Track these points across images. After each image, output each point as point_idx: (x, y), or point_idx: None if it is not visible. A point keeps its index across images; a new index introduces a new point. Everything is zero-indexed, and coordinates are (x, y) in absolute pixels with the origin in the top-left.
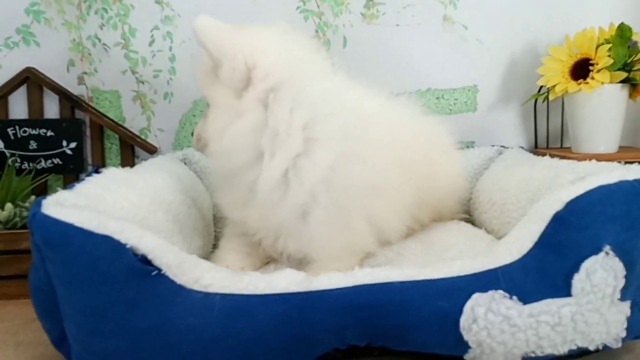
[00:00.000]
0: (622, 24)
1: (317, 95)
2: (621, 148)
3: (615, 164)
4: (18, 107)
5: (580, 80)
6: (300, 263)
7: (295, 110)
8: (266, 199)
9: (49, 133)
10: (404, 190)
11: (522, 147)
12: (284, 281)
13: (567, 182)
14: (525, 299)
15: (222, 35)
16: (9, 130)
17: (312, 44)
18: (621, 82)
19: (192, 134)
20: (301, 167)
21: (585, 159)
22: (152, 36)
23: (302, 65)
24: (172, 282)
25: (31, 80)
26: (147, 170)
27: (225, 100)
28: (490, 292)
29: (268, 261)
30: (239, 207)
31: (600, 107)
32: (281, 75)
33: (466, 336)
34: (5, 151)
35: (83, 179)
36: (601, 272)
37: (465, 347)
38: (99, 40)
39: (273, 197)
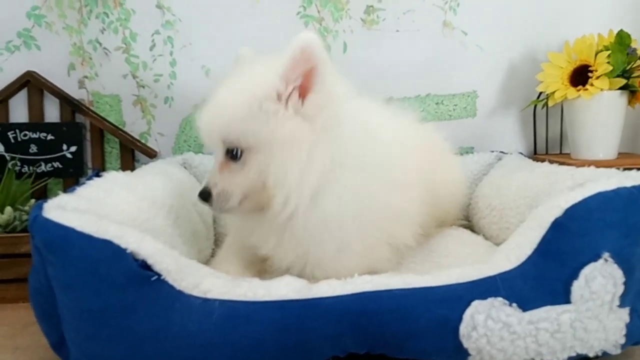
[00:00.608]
0: (621, 30)
1: (351, 124)
2: (620, 154)
3: (613, 170)
4: (18, 110)
5: (580, 87)
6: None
7: (351, 136)
8: (306, 239)
9: (49, 137)
10: (421, 210)
11: (522, 153)
12: (283, 288)
13: (566, 188)
14: (524, 306)
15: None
16: (9, 133)
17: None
18: (620, 88)
19: (204, 188)
20: (334, 197)
21: (584, 165)
22: (152, 41)
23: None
24: (172, 287)
25: (32, 84)
26: (148, 174)
27: (302, 135)
28: (490, 300)
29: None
30: (267, 242)
31: (599, 113)
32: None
33: (466, 343)
34: (6, 155)
35: (84, 183)
36: (600, 279)
37: (465, 354)
38: (100, 44)
39: (315, 236)
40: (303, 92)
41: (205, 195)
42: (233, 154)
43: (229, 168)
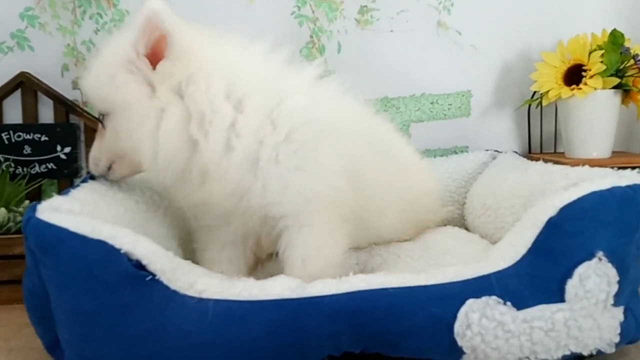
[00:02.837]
0: (614, 30)
1: (228, 63)
2: (614, 153)
3: (608, 169)
4: (12, 111)
5: (574, 86)
6: (277, 237)
7: (210, 85)
8: (217, 172)
9: (43, 138)
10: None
11: (516, 152)
12: (278, 287)
13: (560, 188)
14: (519, 305)
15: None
16: (3, 135)
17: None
18: (614, 87)
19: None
20: (240, 126)
21: (578, 164)
22: None
23: (210, 49)
24: (166, 287)
25: (25, 85)
26: (143, 176)
27: (142, 101)
28: (484, 298)
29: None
30: (195, 193)
31: (593, 112)
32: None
33: (460, 342)
34: (0, 156)
35: (78, 185)
36: (594, 278)
37: (460, 352)
38: (94, 45)
39: (222, 165)
40: (155, 59)
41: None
42: (100, 120)
43: (100, 134)
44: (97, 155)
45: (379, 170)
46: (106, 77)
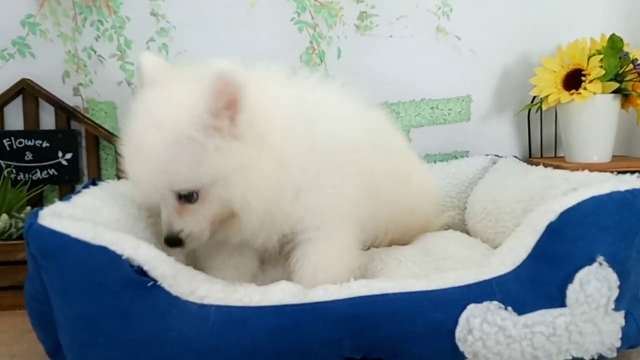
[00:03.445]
0: (613, 35)
1: (288, 102)
2: (614, 157)
3: (607, 174)
4: (14, 118)
5: (573, 91)
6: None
7: (284, 126)
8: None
9: (45, 144)
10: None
11: (516, 157)
12: (279, 293)
13: (560, 192)
14: (520, 310)
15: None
16: (4, 141)
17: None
18: (613, 92)
19: (169, 235)
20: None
21: (578, 169)
22: (147, 48)
23: (272, 91)
24: (168, 293)
25: (27, 91)
26: None
27: (240, 160)
28: (485, 303)
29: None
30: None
31: (593, 117)
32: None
33: (462, 347)
34: (1, 162)
35: (80, 191)
36: (595, 283)
37: (461, 357)
38: (95, 51)
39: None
40: (232, 116)
41: (175, 241)
42: (187, 198)
43: (187, 211)
44: (197, 228)
45: (389, 181)
46: (196, 155)
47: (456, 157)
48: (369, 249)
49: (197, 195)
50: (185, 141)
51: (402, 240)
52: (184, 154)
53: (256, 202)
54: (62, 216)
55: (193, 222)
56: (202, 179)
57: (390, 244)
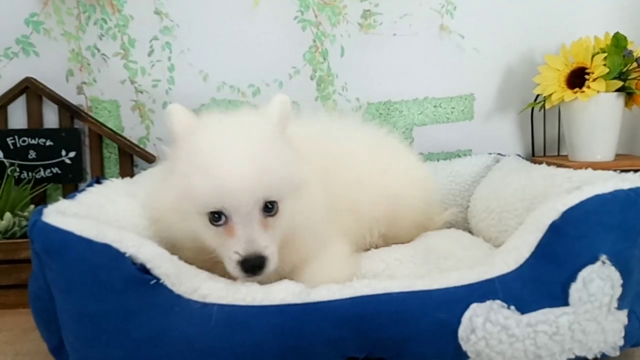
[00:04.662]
0: (617, 33)
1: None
2: (617, 156)
3: (610, 172)
4: (17, 116)
5: (577, 89)
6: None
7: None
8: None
9: (48, 142)
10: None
11: (519, 155)
12: (282, 292)
13: (563, 191)
14: (522, 309)
15: None
16: (8, 139)
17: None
18: (617, 90)
19: (255, 254)
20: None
21: (582, 167)
22: (151, 46)
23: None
24: (170, 291)
25: (30, 90)
26: (148, 180)
27: (308, 172)
28: (488, 302)
29: None
30: None
31: (597, 115)
32: None
33: (465, 346)
34: (5, 161)
35: (83, 189)
36: (598, 281)
37: (464, 357)
38: (98, 50)
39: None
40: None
41: (259, 262)
42: (268, 208)
43: (268, 225)
44: (274, 248)
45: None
46: (282, 159)
47: (459, 156)
48: (368, 249)
49: (278, 208)
50: (275, 150)
51: (399, 239)
52: (277, 162)
53: (315, 216)
54: (66, 214)
55: (272, 239)
56: (287, 186)
57: (389, 244)
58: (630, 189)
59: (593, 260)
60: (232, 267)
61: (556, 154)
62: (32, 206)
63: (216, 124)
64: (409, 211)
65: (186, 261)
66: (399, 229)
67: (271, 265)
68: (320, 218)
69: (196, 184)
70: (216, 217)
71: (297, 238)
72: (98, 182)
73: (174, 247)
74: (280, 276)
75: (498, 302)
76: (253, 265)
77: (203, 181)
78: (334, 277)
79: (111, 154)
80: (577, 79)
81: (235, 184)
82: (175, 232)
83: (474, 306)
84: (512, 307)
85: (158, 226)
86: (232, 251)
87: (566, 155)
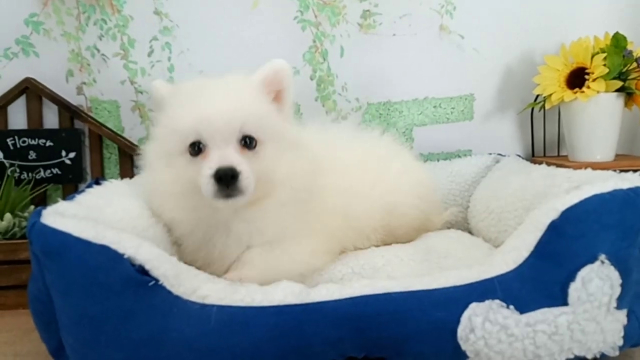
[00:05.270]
0: (617, 33)
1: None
2: (617, 156)
3: (610, 172)
4: (17, 117)
5: (576, 89)
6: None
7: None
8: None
9: (48, 143)
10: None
11: (519, 156)
12: (281, 293)
13: (562, 191)
14: (522, 308)
15: None
16: (8, 140)
17: None
18: (617, 91)
19: (226, 167)
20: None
21: (581, 168)
22: (151, 47)
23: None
24: (169, 292)
25: (30, 90)
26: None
27: (299, 136)
28: (487, 302)
29: None
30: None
31: (596, 115)
32: None
33: (464, 346)
34: (5, 161)
35: (83, 190)
36: (597, 281)
37: (463, 356)
38: (98, 50)
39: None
40: (279, 107)
41: (231, 173)
42: (247, 143)
43: (245, 155)
44: (250, 174)
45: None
46: (265, 107)
47: (459, 156)
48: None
49: (256, 144)
50: (257, 95)
51: (398, 241)
52: (257, 103)
53: (296, 182)
54: (64, 215)
55: (247, 165)
56: (267, 129)
57: (390, 243)
58: (629, 189)
59: (592, 259)
60: (206, 184)
61: (556, 154)
62: (32, 207)
63: (197, 80)
64: (404, 220)
65: (186, 261)
66: (396, 236)
67: (244, 182)
68: (307, 180)
69: (178, 118)
70: (196, 149)
71: (275, 197)
72: (97, 183)
73: (175, 243)
74: (247, 245)
75: (497, 301)
76: (225, 175)
77: (184, 113)
78: (286, 271)
79: (111, 155)
80: (576, 79)
81: (211, 111)
82: (171, 203)
83: (473, 306)
84: (511, 307)
85: (159, 210)
86: (206, 168)
87: (566, 156)
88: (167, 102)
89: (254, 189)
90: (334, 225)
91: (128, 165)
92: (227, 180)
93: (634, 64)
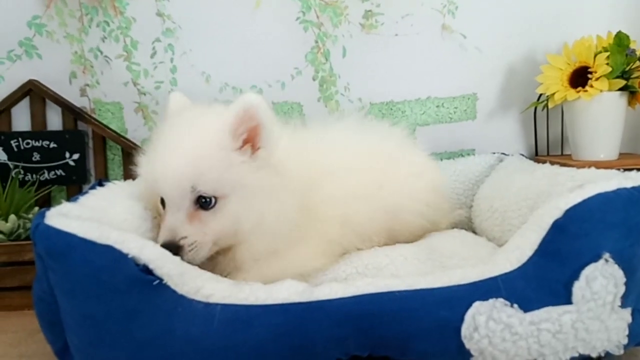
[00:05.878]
0: (620, 32)
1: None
2: (621, 155)
3: (613, 171)
4: (21, 119)
5: (579, 88)
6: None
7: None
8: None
9: (52, 145)
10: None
11: (523, 155)
12: (285, 291)
13: (566, 190)
14: (526, 307)
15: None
16: (12, 142)
17: None
18: (620, 89)
19: (169, 241)
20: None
21: (585, 166)
22: (153, 48)
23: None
24: (173, 292)
25: (34, 92)
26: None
27: (269, 180)
28: (491, 301)
29: None
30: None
31: (600, 114)
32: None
33: (468, 345)
34: (9, 163)
35: (87, 192)
36: (601, 280)
37: (467, 355)
38: (101, 52)
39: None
40: (252, 145)
41: (172, 248)
42: (204, 203)
43: (198, 218)
44: (202, 240)
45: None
46: (223, 160)
47: (462, 156)
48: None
49: (215, 202)
50: (217, 147)
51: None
52: (214, 157)
53: (270, 229)
54: (68, 216)
55: (201, 232)
56: (226, 185)
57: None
58: (633, 187)
59: (596, 258)
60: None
61: (559, 153)
62: (36, 208)
63: (182, 118)
64: (408, 227)
65: None
66: (399, 239)
67: (188, 255)
68: (283, 223)
69: (146, 171)
70: (163, 204)
71: (250, 239)
72: (101, 184)
73: None
74: (236, 267)
75: (501, 300)
76: (169, 249)
77: (148, 169)
78: (285, 273)
79: (115, 156)
80: (579, 78)
81: (165, 171)
82: None
83: (477, 304)
84: (515, 306)
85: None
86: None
87: (569, 155)
88: (158, 133)
89: (209, 250)
90: (333, 232)
91: (131, 166)
92: (172, 252)
93: (637, 63)
